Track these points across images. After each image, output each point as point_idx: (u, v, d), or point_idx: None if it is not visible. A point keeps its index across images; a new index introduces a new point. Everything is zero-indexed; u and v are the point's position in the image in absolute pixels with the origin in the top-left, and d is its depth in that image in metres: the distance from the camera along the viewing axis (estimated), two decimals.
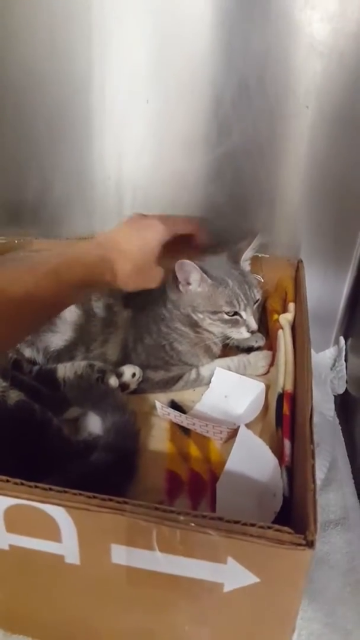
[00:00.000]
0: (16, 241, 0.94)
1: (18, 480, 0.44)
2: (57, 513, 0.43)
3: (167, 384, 0.80)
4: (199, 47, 0.80)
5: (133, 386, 0.79)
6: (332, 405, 0.86)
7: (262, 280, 0.85)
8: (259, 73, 0.79)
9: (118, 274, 0.65)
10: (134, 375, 0.78)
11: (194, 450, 0.70)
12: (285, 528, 0.41)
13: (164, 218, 0.71)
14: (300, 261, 0.88)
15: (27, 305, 0.54)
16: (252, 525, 0.41)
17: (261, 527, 0.41)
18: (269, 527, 0.41)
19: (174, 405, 0.77)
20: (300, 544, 0.41)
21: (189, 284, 0.78)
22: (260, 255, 0.88)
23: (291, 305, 0.82)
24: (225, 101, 0.82)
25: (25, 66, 0.85)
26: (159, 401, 0.75)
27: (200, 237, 0.78)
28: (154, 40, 0.81)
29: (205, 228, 0.79)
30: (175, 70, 0.82)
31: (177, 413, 0.73)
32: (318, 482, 0.69)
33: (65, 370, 0.78)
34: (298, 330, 0.75)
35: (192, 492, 0.64)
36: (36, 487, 0.44)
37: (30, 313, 0.56)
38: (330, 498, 0.69)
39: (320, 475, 0.70)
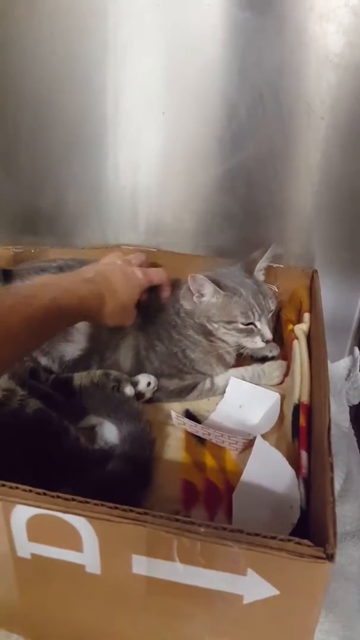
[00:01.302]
0: (32, 250, 0.95)
1: (40, 491, 0.44)
2: (79, 523, 0.44)
3: (182, 393, 0.81)
4: (213, 60, 0.81)
5: (148, 395, 0.79)
6: (348, 416, 0.86)
7: (277, 291, 0.86)
8: (273, 85, 0.80)
9: (105, 310, 0.68)
10: (149, 384, 0.79)
11: (209, 460, 0.70)
12: (305, 541, 0.41)
13: (144, 271, 0.78)
14: (315, 271, 0.89)
15: (23, 333, 0.56)
16: (273, 537, 0.42)
17: (281, 539, 0.42)
18: (289, 540, 0.42)
19: (189, 415, 0.77)
20: (320, 557, 0.41)
21: (202, 295, 0.79)
22: (274, 266, 0.88)
23: (306, 316, 0.82)
24: (240, 113, 0.83)
25: (41, 80, 0.86)
26: (174, 410, 0.75)
27: (166, 286, 0.84)
28: (168, 53, 0.82)
29: (169, 280, 0.84)
30: (190, 82, 0.84)
31: (192, 423, 0.73)
32: None
33: (81, 379, 0.79)
34: (314, 341, 0.76)
35: (208, 502, 0.64)
36: (58, 497, 0.44)
37: (25, 341, 0.58)
38: (346, 509, 0.69)
39: (335, 486, 0.70)
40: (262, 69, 0.80)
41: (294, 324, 0.82)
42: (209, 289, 0.78)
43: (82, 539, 0.45)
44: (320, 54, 0.77)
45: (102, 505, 0.44)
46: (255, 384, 0.81)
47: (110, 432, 0.72)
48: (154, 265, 0.87)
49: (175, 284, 0.85)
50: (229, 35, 0.79)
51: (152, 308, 0.83)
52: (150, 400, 0.79)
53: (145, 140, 0.89)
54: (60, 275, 0.74)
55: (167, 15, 0.79)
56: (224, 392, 0.81)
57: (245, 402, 0.79)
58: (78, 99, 0.87)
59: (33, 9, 0.81)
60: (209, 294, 0.78)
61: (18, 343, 0.56)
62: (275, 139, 0.84)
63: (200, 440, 0.73)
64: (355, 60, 0.76)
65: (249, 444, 0.68)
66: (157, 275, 0.81)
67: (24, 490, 0.44)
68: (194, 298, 0.80)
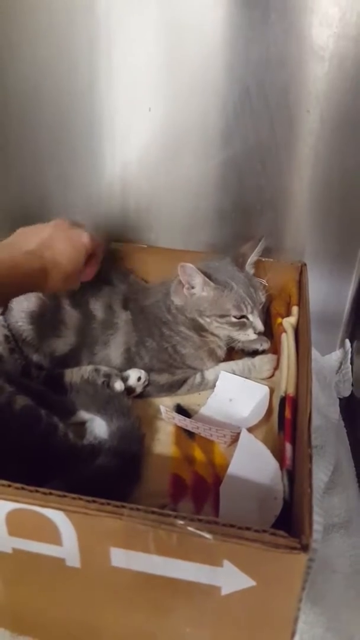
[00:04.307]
0: None
1: (19, 485, 0.45)
2: (57, 517, 0.44)
3: (172, 388, 0.81)
4: (201, 54, 0.81)
5: (139, 390, 0.79)
6: (337, 408, 0.86)
7: (266, 284, 0.86)
8: (260, 78, 0.80)
9: (49, 282, 0.68)
10: (139, 379, 0.79)
11: (198, 454, 0.71)
12: (280, 532, 0.42)
13: (91, 235, 0.74)
14: (303, 264, 0.88)
15: None
16: (248, 528, 0.42)
17: (256, 530, 0.42)
18: (265, 531, 0.42)
19: (180, 409, 0.78)
20: (295, 548, 0.41)
21: (192, 287, 0.79)
22: (264, 259, 0.88)
23: (295, 309, 0.82)
24: (227, 107, 0.83)
25: (28, 76, 0.86)
26: (165, 405, 0.76)
27: (98, 253, 0.79)
28: (157, 48, 0.82)
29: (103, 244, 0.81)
30: (179, 77, 0.83)
31: (181, 417, 0.73)
32: (322, 485, 0.69)
33: (72, 374, 0.79)
34: (300, 333, 0.76)
35: (195, 495, 0.64)
36: (36, 491, 0.45)
37: None
38: (334, 501, 0.69)
39: (324, 478, 0.70)
40: (248, 62, 0.80)
41: (283, 318, 0.82)
42: (198, 279, 0.77)
43: (61, 532, 0.45)
44: (305, 46, 0.77)
45: (80, 498, 0.44)
46: (246, 378, 0.81)
47: (100, 428, 0.72)
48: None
49: (165, 280, 0.85)
50: (216, 28, 0.78)
51: (143, 304, 0.84)
52: (140, 395, 0.80)
53: (134, 136, 0.89)
54: (2, 250, 0.70)
55: (154, 10, 0.79)
56: (215, 386, 0.81)
57: (235, 395, 0.79)
58: (65, 96, 0.87)
59: (17, 6, 0.81)
60: (199, 286, 0.78)
61: None
62: (262, 133, 0.84)
63: (190, 434, 0.73)
64: (340, 52, 0.76)
65: (237, 437, 0.68)
66: (97, 242, 0.77)
67: (2, 485, 0.45)
68: (184, 290, 0.79)
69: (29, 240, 0.69)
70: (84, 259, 0.73)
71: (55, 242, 0.70)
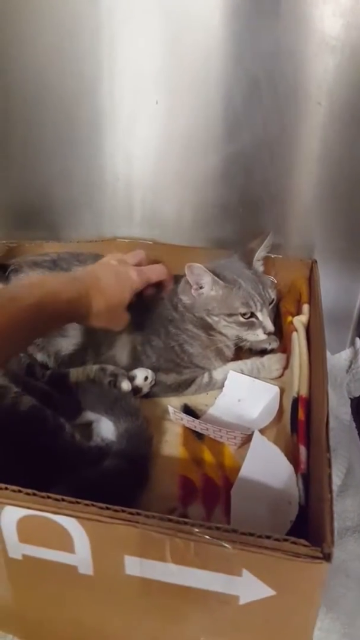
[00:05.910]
0: (27, 245, 0.94)
1: (30, 491, 0.43)
2: (70, 524, 0.43)
3: (180, 388, 0.80)
4: (207, 45, 0.79)
5: (145, 390, 0.78)
6: (349, 409, 0.85)
7: (276, 282, 0.84)
8: (269, 70, 0.78)
9: (92, 311, 0.67)
10: (146, 378, 0.77)
11: (207, 456, 0.69)
12: (301, 540, 0.40)
13: (140, 271, 0.74)
14: (314, 261, 0.87)
15: (6, 336, 0.55)
16: (268, 537, 0.40)
17: (277, 539, 0.40)
18: (285, 540, 0.40)
19: (187, 410, 0.76)
20: (316, 557, 0.39)
21: (201, 287, 0.78)
22: (273, 256, 0.87)
23: (305, 307, 0.81)
24: (235, 99, 0.81)
25: (32, 69, 0.85)
26: (172, 405, 0.74)
27: (168, 282, 0.82)
28: (162, 39, 0.80)
29: (171, 274, 0.81)
30: (184, 69, 0.81)
31: (190, 418, 0.72)
32: (334, 488, 0.68)
33: (77, 374, 0.78)
34: (313, 332, 0.74)
35: (205, 498, 0.63)
36: (48, 497, 0.43)
37: (8, 344, 0.57)
38: (347, 504, 0.68)
39: (337, 481, 0.69)
40: (257, 53, 0.78)
41: (293, 316, 0.81)
42: (207, 278, 0.76)
43: (74, 539, 0.44)
44: (317, 37, 0.75)
45: (93, 505, 0.42)
46: (255, 378, 0.80)
47: (107, 429, 0.71)
48: (156, 261, 0.82)
49: (174, 279, 0.84)
50: (224, 18, 0.77)
51: (148, 303, 0.82)
52: (147, 395, 0.78)
53: (138, 130, 0.87)
54: (49, 275, 0.72)
55: (161, 1, 0.77)
56: (223, 386, 0.80)
57: (244, 396, 0.77)
58: (69, 91, 0.85)
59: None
60: (208, 285, 0.77)
61: (1, 345, 0.55)
62: (271, 126, 0.82)
63: (199, 436, 0.72)
64: (352, 43, 0.74)
65: (248, 439, 0.67)
66: (156, 272, 0.78)
67: (13, 490, 0.43)
68: (193, 291, 0.79)
69: (80, 269, 0.71)
70: (129, 295, 0.72)
71: (103, 272, 0.70)
